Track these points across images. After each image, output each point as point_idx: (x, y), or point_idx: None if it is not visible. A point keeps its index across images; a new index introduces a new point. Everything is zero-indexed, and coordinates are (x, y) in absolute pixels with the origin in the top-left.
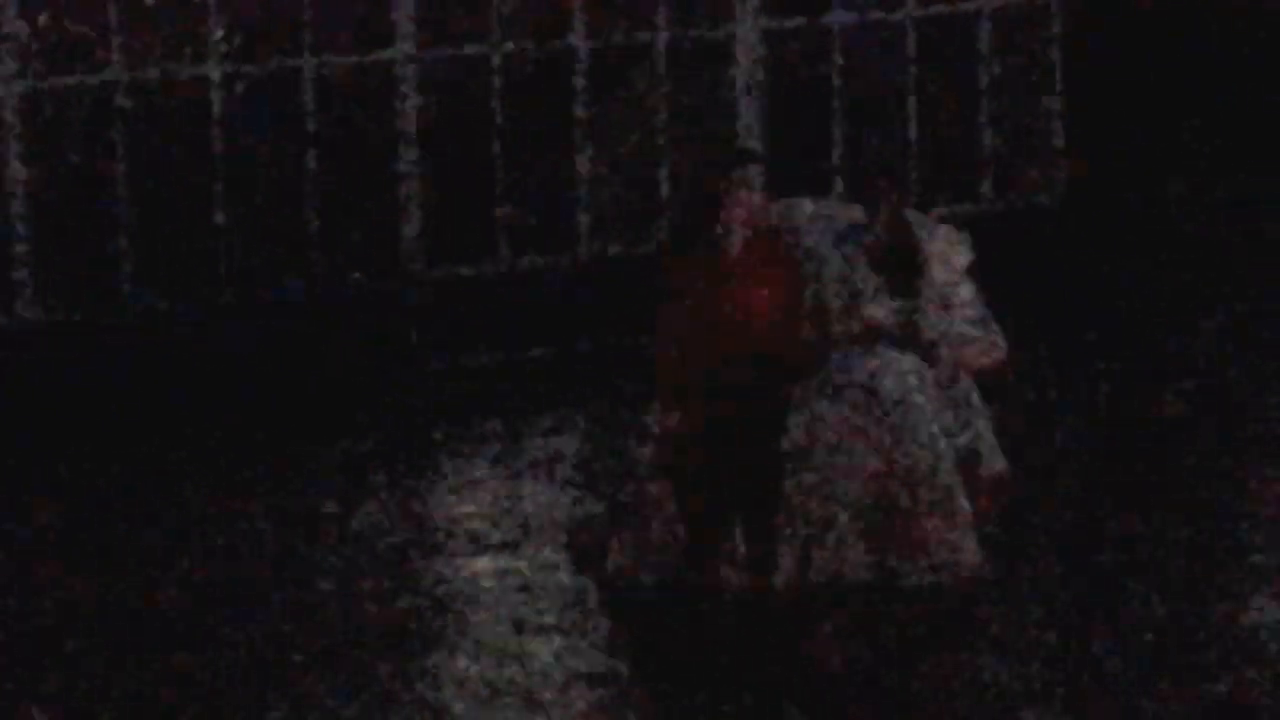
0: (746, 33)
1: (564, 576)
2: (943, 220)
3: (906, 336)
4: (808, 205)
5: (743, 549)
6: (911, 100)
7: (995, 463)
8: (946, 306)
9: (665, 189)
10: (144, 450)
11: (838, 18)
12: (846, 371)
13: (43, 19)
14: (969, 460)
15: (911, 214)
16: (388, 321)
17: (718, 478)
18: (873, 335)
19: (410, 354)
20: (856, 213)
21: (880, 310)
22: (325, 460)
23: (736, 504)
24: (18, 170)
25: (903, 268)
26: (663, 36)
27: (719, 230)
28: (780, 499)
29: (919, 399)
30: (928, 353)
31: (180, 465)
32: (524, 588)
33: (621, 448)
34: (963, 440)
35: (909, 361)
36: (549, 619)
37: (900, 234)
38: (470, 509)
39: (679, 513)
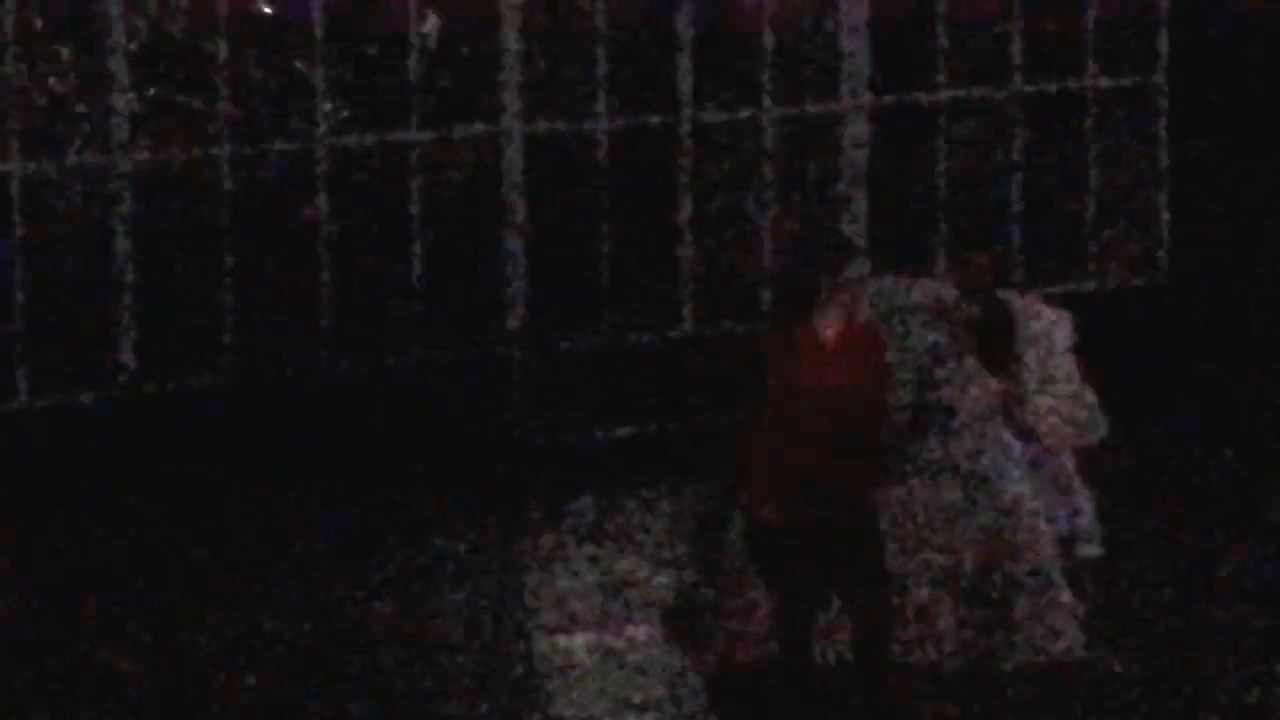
0: (853, 108)
1: (661, 654)
2: (1046, 299)
3: (1005, 415)
4: (901, 284)
5: (850, 630)
6: (1016, 177)
7: (1095, 545)
8: (1048, 387)
9: (768, 266)
10: (239, 517)
11: (944, 93)
12: (943, 450)
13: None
14: (1069, 542)
15: (1013, 293)
16: (488, 396)
17: (812, 564)
18: (971, 414)
19: (510, 428)
20: (953, 291)
21: (977, 389)
22: (421, 536)
23: (838, 585)
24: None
25: (999, 347)
26: (769, 111)
27: (815, 322)
28: (885, 577)
29: (1018, 479)
30: (1028, 432)
31: (278, 534)
32: (621, 666)
33: (718, 526)
34: (1063, 522)
35: (1008, 441)
36: (646, 697)
37: (996, 312)
38: (567, 586)
39: (772, 597)
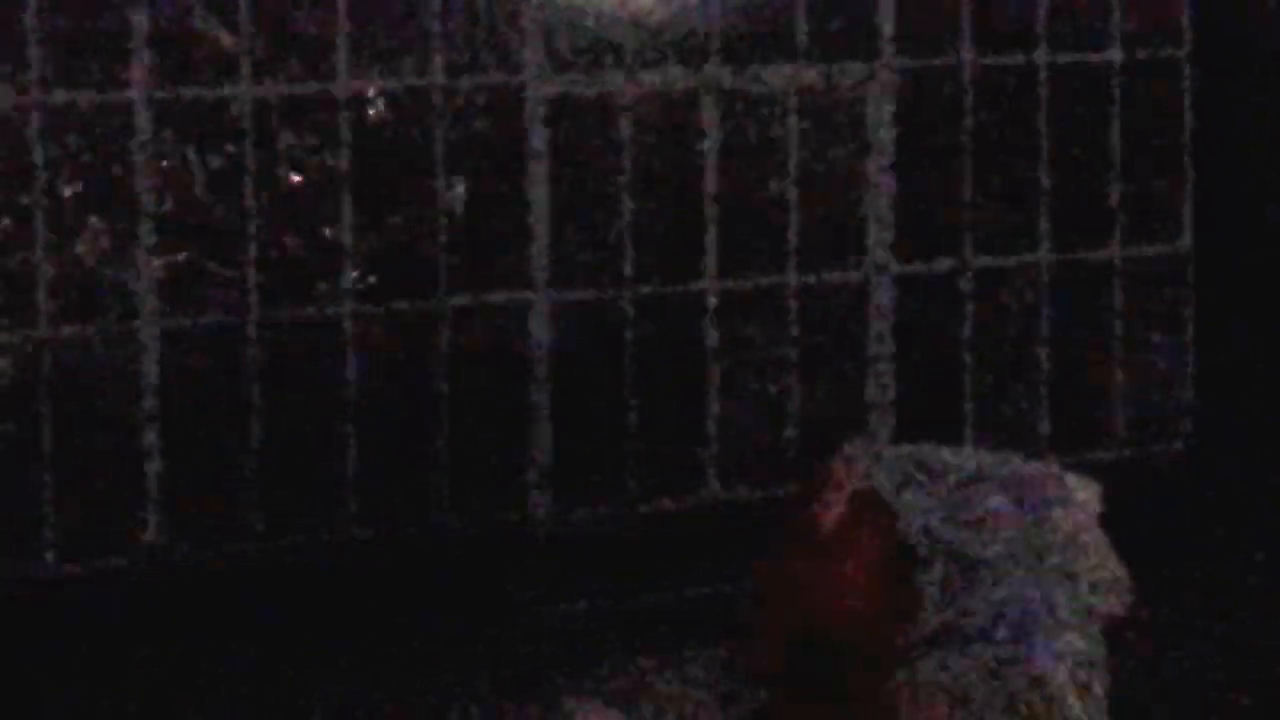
0: (878, 277)
1: None
2: (1072, 468)
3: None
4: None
5: None
6: (1042, 347)
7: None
8: (1079, 557)
9: (793, 433)
10: (256, 686)
11: (970, 262)
12: (959, 610)
13: (182, 258)
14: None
15: (1040, 463)
16: (510, 564)
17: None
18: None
19: (528, 594)
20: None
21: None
22: (437, 707)
23: None
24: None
25: None
26: (793, 279)
27: (820, 498)
28: None
29: (1047, 646)
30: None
31: (294, 700)
32: None
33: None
34: (1095, 689)
35: (1031, 595)
36: None
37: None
38: None
39: None
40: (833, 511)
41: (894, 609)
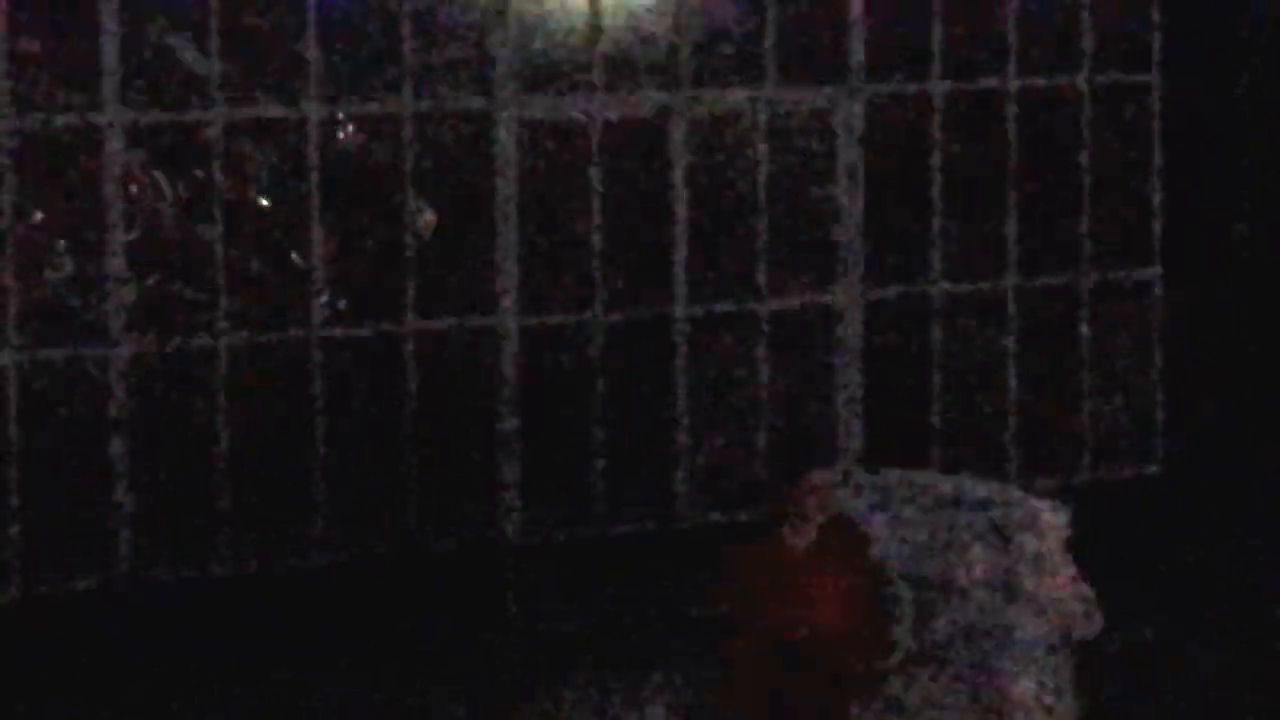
0: (847, 300)
1: None
2: (1040, 493)
3: None
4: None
5: None
6: (1011, 372)
7: None
8: (1043, 580)
9: (764, 456)
10: (228, 707)
11: (939, 285)
12: (938, 634)
13: (151, 281)
14: None
15: (1009, 488)
16: (482, 585)
17: None
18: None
19: (500, 617)
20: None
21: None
22: None
23: None
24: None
25: None
26: (766, 303)
27: (789, 525)
28: None
29: (1010, 663)
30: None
31: None
32: None
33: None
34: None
35: (999, 620)
36: None
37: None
38: None
39: None
40: (803, 537)
41: (864, 632)
